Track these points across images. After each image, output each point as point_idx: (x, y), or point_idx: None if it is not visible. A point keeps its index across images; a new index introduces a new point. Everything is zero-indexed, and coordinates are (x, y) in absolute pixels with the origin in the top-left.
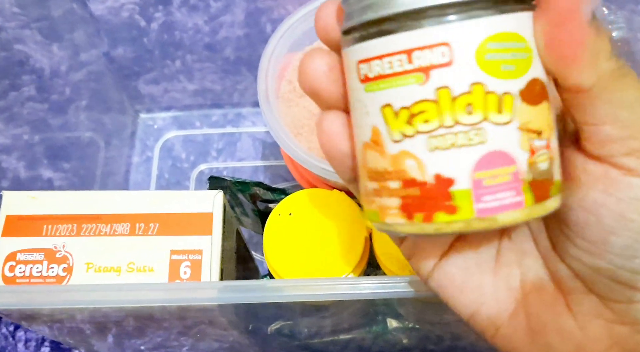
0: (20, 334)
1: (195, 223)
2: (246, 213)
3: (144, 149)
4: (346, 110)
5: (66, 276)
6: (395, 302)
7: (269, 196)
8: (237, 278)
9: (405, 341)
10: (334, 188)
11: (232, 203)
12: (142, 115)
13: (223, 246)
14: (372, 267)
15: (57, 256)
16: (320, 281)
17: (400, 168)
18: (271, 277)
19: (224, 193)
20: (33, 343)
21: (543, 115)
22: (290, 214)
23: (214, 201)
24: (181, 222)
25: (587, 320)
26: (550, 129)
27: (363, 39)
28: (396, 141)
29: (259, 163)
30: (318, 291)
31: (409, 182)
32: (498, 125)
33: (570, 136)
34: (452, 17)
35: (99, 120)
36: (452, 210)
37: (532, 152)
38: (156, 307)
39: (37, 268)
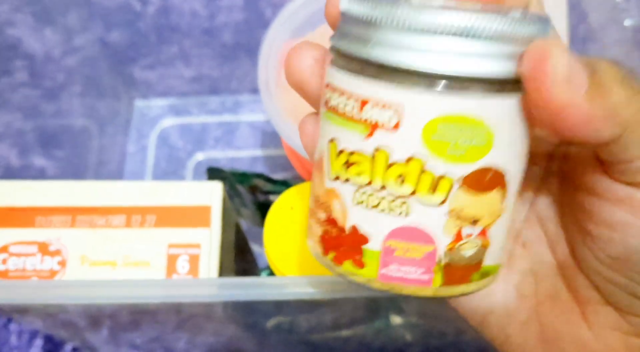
0: (13, 326)
1: (193, 215)
2: (245, 205)
3: (139, 137)
4: None
5: (60, 269)
6: (399, 298)
7: (269, 187)
8: (236, 271)
9: (407, 336)
10: None
11: (230, 194)
12: (138, 102)
13: (222, 239)
14: None
15: (51, 248)
16: (321, 278)
17: (328, 204)
18: (270, 271)
19: (223, 184)
20: (26, 335)
21: (486, 203)
22: (291, 208)
23: (213, 193)
24: (179, 214)
25: (604, 331)
26: (493, 215)
27: (333, 64)
28: (331, 178)
29: (258, 152)
30: (319, 289)
31: (331, 221)
32: (425, 205)
33: (594, 155)
34: (409, 84)
35: (92, 107)
36: (359, 264)
37: (457, 238)
38: (152, 303)
39: (31, 261)
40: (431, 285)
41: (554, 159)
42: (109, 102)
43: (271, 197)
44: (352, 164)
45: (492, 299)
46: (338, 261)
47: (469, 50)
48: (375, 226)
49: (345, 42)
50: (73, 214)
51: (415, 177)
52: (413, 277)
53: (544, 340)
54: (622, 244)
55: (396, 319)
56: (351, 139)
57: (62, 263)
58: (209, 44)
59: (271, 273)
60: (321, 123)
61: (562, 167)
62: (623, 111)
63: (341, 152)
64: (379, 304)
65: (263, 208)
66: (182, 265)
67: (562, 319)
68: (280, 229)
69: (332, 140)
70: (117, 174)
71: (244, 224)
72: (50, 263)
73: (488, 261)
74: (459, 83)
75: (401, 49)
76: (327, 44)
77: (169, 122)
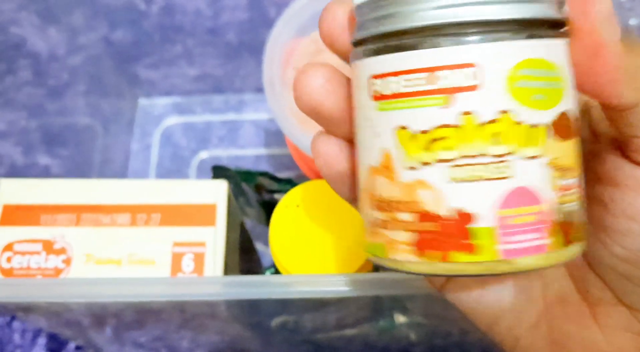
0: (16, 324)
1: (198, 214)
2: (250, 204)
3: (143, 135)
4: (350, 127)
5: (65, 267)
6: (404, 297)
7: (274, 186)
8: (241, 270)
9: (412, 336)
10: None
11: (235, 193)
12: (142, 101)
13: (227, 237)
14: None
15: (56, 246)
16: (327, 277)
17: (414, 199)
18: (275, 270)
19: (228, 183)
20: (30, 334)
21: (572, 151)
22: (297, 206)
23: (218, 191)
24: (184, 213)
25: (615, 332)
26: (579, 166)
27: (378, 52)
28: (411, 168)
29: (262, 151)
30: (325, 287)
31: (423, 216)
32: (526, 160)
33: (614, 143)
34: (482, 37)
35: (97, 105)
36: (471, 249)
37: (559, 191)
38: (156, 300)
39: (36, 259)
40: (547, 249)
41: None
42: (113, 100)
43: (276, 195)
44: (436, 141)
45: (501, 302)
46: (443, 256)
47: None
48: (482, 199)
49: (390, 21)
50: (78, 212)
51: (510, 132)
52: (531, 244)
53: (554, 342)
54: None
55: (400, 319)
56: (427, 116)
57: (67, 261)
58: (213, 43)
59: (276, 272)
60: (371, 124)
61: None
62: None
63: (418, 134)
64: (384, 303)
65: (268, 207)
66: (187, 263)
67: (572, 321)
68: (286, 227)
69: (401, 128)
70: (121, 173)
71: (248, 223)
72: (55, 261)
73: (583, 217)
74: (531, 27)
75: (464, 4)
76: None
77: (172, 120)
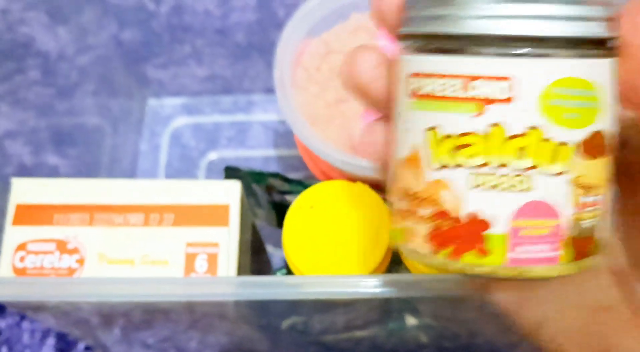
0: (25, 324)
1: (211, 214)
2: (260, 205)
3: (152, 135)
4: (390, 111)
5: (78, 267)
6: (416, 299)
7: (285, 187)
8: (252, 272)
9: (421, 338)
10: (353, 179)
11: (246, 194)
12: (150, 101)
13: (240, 238)
14: (392, 262)
15: (69, 246)
16: (341, 278)
17: (434, 197)
18: (288, 271)
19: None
20: (39, 334)
21: (600, 170)
22: (311, 207)
23: (232, 192)
24: (197, 213)
25: None
26: (605, 184)
27: (420, 50)
28: (436, 168)
29: (271, 152)
30: (338, 288)
31: (441, 214)
32: (548, 176)
33: None
34: (521, 51)
35: (105, 105)
36: (482, 252)
37: (579, 208)
38: (170, 301)
39: (49, 259)
40: (558, 262)
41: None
42: (122, 100)
43: (287, 197)
44: (462, 147)
45: (546, 307)
46: (456, 255)
47: (579, 13)
48: (499, 208)
49: (436, 23)
50: (91, 212)
51: (536, 148)
52: (541, 256)
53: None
54: None
55: (411, 320)
56: (457, 121)
57: (81, 261)
58: (222, 43)
59: (288, 273)
60: (404, 119)
61: (627, 169)
62: None
63: (446, 137)
64: (395, 305)
65: (279, 208)
66: (201, 264)
67: (617, 331)
68: (299, 228)
69: (431, 128)
70: (130, 173)
71: (258, 224)
72: (69, 261)
73: (603, 233)
74: (576, 46)
75: (511, 17)
76: (342, 43)
77: (181, 121)
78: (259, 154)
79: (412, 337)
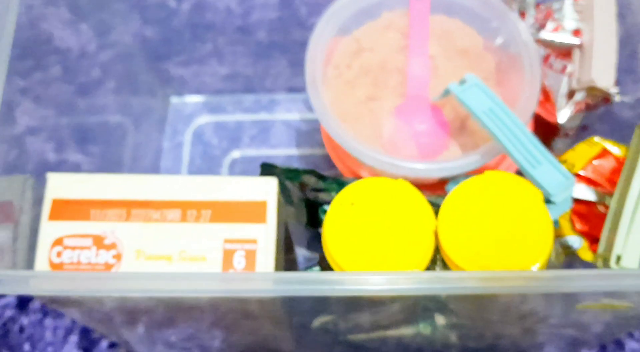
0: (48, 322)
1: (249, 211)
2: (291, 202)
3: (174, 134)
4: None
5: (116, 263)
6: (449, 297)
7: (320, 185)
8: (284, 269)
9: (449, 337)
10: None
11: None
12: (173, 99)
13: (277, 235)
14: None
15: (106, 242)
16: (380, 275)
17: None
18: (327, 268)
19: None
20: (61, 332)
21: None
22: (352, 204)
23: (269, 189)
24: (235, 209)
25: None
26: None
27: None
28: None
29: (293, 151)
30: (376, 285)
31: None
32: None
33: None
34: None
35: (127, 103)
36: None
37: None
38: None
39: (86, 254)
40: None
41: None
42: (143, 98)
43: (321, 194)
44: None
45: None
46: None
47: None
48: None
49: None
50: (128, 208)
51: None
52: None
53: None
54: None
55: (440, 320)
56: None
57: (118, 257)
58: (243, 41)
59: (322, 270)
60: None
61: None
62: None
63: None
64: (426, 304)
65: (311, 206)
66: (239, 260)
67: None
68: (340, 225)
69: None
70: (152, 171)
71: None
72: (106, 257)
73: None
74: None
75: None
76: (373, 41)
77: (204, 119)
78: (281, 153)
79: (440, 337)
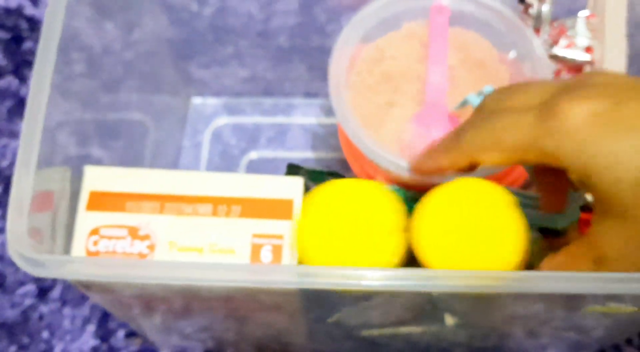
0: (66, 311)
1: (276, 208)
2: None
3: (194, 133)
4: None
5: (149, 253)
6: (458, 298)
7: None
8: None
9: (457, 336)
10: (402, 182)
11: None
12: (193, 99)
13: None
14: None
15: (141, 233)
16: (401, 271)
17: None
18: None
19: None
20: (79, 321)
21: None
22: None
23: (295, 188)
24: (263, 206)
25: None
26: None
27: None
28: None
29: (309, 154)
30: (400, 281)
31: None
32: None
33: None
34: None
35: (150, 101)
36: None
37: None
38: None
39: (121, 244)
40: None
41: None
42: (165, 97)
43: None
44: None
45: None
46: None
47: None
48: None
49: None
50: (162, 201)
51: None
52: None
53: None
54: None
55: (450, 320)
56: None
57: (151, 247)
58: (264, 46)
59: None
60: None
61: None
62: None
63: None
64: (437, 303)
65: None
66: (266, 254)
67: None
68: (311, 223)
69: None
70: (172, 168)
71: None
72: (140, 247)
73: None
74: None
75: None
76: (396, 49)
77: (223, 120)
78: (297, 156)
79: (444, 336)
